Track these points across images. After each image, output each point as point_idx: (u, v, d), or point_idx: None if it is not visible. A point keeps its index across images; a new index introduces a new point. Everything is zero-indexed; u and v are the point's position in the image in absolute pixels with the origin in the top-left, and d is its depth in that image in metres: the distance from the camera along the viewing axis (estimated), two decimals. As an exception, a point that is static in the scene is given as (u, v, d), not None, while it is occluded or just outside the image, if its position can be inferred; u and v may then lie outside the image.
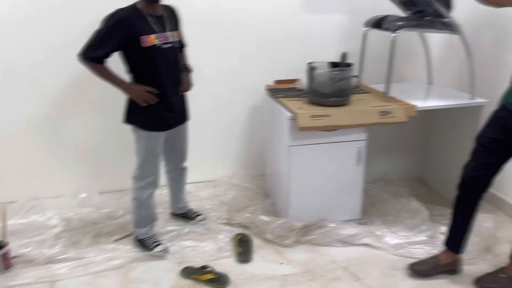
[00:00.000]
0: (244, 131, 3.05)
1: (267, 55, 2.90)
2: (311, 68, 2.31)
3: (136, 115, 2.12)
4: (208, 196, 2.86)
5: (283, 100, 2.43)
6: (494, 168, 1.90)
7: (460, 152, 2.64)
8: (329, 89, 2.27)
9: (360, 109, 2.26)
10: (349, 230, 2.34)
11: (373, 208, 2.60)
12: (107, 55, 1.99)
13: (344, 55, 2.31)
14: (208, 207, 2.68)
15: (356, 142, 2.31)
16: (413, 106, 2.30)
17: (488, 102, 2.41)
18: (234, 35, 2.83)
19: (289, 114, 2.22)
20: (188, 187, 2.91)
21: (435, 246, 2.23)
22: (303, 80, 2.63)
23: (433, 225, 2.42)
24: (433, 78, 2.86)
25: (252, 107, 3.00)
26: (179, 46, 2.22)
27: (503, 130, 1.85)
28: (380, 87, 2.67)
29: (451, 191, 2.78)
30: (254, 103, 2.99)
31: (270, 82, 2.83)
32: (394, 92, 2.55)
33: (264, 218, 2.42)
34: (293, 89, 2.68)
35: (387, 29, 2.35)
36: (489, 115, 1.93)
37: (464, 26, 2.39)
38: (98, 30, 1.99)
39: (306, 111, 2.21)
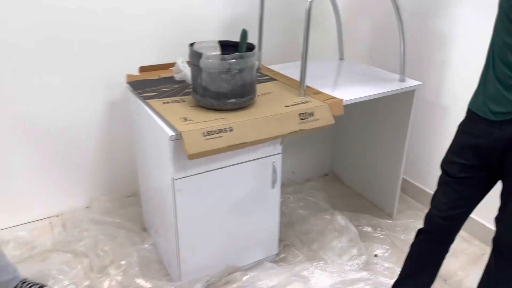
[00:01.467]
0: (101, 139, 2.12)
1: (126, 28, 1.97)
2: (196, 54, 1.49)
3: None
4: (55, 244, 1.91)
5: (156, 103, 1.58)
6: (472, 202, 1.36)
7: (378, 145, 2.17)
8: (226, 87, 1.50)
9: (272, 113, 1.55)
10: (269, 280, 1.68)
11: (291, 231, 1.99)
12: None
13: (244, 34, 1.53)
14: (54, 267, 1.76)
15: (270, 158, 1.62)
16: (339, 101, 1.67)
17: (422, 85, 1.91)
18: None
19: (170, 132, 1.40)
20: (20, 233, 1.96)
21: (377, 284, 1.71)
22: (181, 66, 1.80)
23: (364, 246, 1.91)
24: (344, 53, 2.28)
25: (110, 105, 2.07)
26: None
27: (476, 151, 1.29)
28: (284, 69, 2.00)
29: (363, 185, 2.35)
30: (112, 100, 2.06)
31: (133, 69, 1.93)
32: (299, 72, 1.89)
33: (144, 283, 1.62)
34: (168, 80, 1.83)
35: (299, -8, 1.64)
36: (456, 131, 1.39)
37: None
38: None
39: (195, 126, 1.41)
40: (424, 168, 2.23)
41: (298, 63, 1.89)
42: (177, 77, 1.81)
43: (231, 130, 1.44)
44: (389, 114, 2.07)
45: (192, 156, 1.36)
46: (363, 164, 2.31)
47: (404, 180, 2.26)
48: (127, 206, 2.17)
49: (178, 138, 1.39)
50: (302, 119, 1.57)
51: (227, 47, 1.65)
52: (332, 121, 1.62)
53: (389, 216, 2.17)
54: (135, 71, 1.91)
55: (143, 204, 2.03)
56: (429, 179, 2.22)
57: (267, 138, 1.50)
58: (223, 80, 1.49)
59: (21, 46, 1.79)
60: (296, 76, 1.91)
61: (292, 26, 2.35)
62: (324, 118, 1.61)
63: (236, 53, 1.47)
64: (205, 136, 1.39)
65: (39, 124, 1.95)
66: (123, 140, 2.14)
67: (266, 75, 1.96)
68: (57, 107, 1.96)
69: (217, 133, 1.41)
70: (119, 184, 2.23)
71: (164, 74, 1.88)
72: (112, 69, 1.99)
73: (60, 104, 1.96)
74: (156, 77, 1.86)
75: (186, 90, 1.73)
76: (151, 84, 1.78)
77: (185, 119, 1.46)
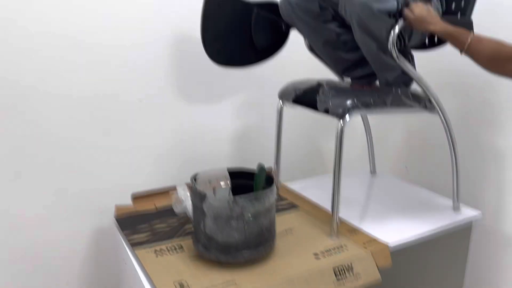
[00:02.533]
0: (84, 275, 1.73)
1: (124, 153, 1.67)
2: (199, 195, 1.15)
3: None
4: None
5: (146, 256, 1.21)
6: None
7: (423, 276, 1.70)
8: (237, 236, 1.14)
9: (298, 269, 1.16)
10: None
11: None
12: None
13: (261, 171, 1.21)
14: None
15: (294, 327, 1.21)
16: (384, 248, 1.29)
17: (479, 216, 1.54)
18: (58, 117, 1.55)
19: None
20: None
21: None
22: (182, 196, 1.46)
23: None
24: (376, 165, 1.94)
25: (100, 234, 1.72)
26: None
27: None
28: (306, 188, 1.67)
29: None
30: (102, 228, 1.71)
31: (126, 198, 1.60)
32: (324, 193, 1.53)
33: None
34: (165, 212, 1.48)
35: (327, 112, 1.33)
36: None
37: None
38: None
39: (195, 300, 1.03)
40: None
41: (321, 179, 1.59)
42: (177, 209, 1.46)
43: (244, 304, 1.05)
44: (436, 245, 1.67)
45: None
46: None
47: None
48: None
49: (170, 319, 1.00)
50: (338, 278, 1.18)
51: (239, 176, 1.32)
52: (377, 276, 1.23)
53: None
54: (127, 194, 1.57)
55: None
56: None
57: (293, 310, 1.11)
58: (233, 228, 1.13)
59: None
60: (321, 200, 1.56)
61: (311, 134, 2.05)
62: (367, 273, 1.22)
63: (251, 193, 1.12)
64: (209, 318, 1.00)
65: (9, 261, 1.58)
66: (111, 274, 1.76)
67: (285, 199, 1.61)
68: (30, 236, 1.60)
69: (225, 310, 1.03)
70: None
71: (161, 202, 1.54)
72: (98, 193, 1.65)
73: (34, 234, 1.61)
74: (152, 207, 1.51)
75: (187, 226, 1.37)
76: (144, 219, 1.43)
77: (181, 286, 1.08)
